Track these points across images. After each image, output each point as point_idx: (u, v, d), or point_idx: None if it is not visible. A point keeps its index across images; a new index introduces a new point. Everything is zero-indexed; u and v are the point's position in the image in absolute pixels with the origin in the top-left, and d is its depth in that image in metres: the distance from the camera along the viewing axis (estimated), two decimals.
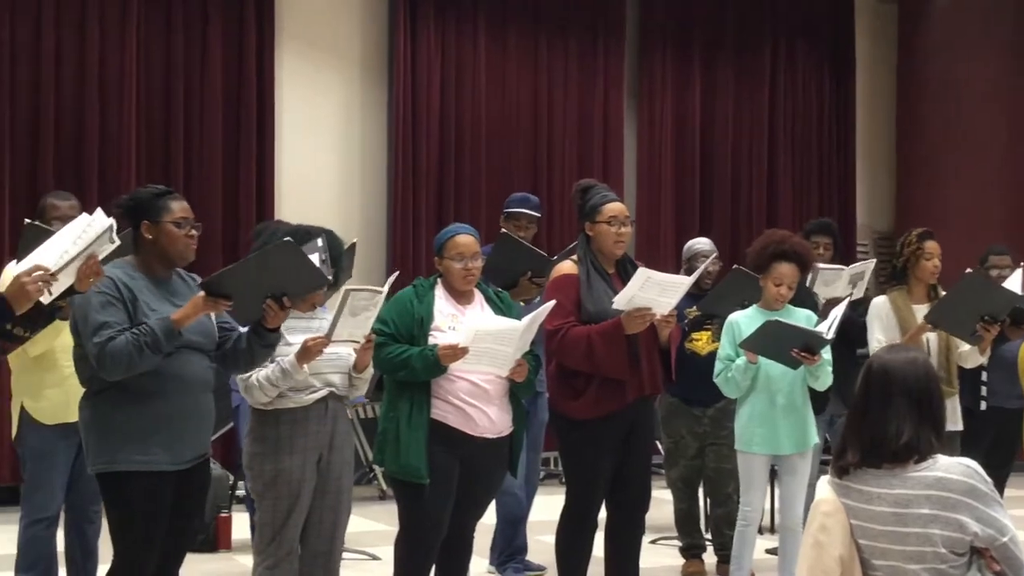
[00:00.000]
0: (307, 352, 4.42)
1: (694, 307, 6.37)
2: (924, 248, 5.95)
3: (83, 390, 5.06)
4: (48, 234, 4.71)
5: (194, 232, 4.18)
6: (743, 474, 5.62)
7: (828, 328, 5.40)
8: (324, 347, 4.43)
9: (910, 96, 11.93)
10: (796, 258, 5.55)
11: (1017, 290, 5.70)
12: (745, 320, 5.51)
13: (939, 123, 11.55)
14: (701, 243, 6.94)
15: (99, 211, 3.71)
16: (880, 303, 5.92)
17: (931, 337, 5.87)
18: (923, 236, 6.00)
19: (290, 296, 4.10)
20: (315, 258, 4.42)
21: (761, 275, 5.56)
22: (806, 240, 6.63)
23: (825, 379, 5.50)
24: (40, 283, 3.46)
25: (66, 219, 5.22)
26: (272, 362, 4.47)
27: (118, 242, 3.69)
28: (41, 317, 3.51)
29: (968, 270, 5.93)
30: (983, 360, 5.96)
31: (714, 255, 6.60)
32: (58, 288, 3.47)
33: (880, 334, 5.73)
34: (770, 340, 5.32)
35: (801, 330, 5.37)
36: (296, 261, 4.08)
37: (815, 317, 5.62)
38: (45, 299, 3.44)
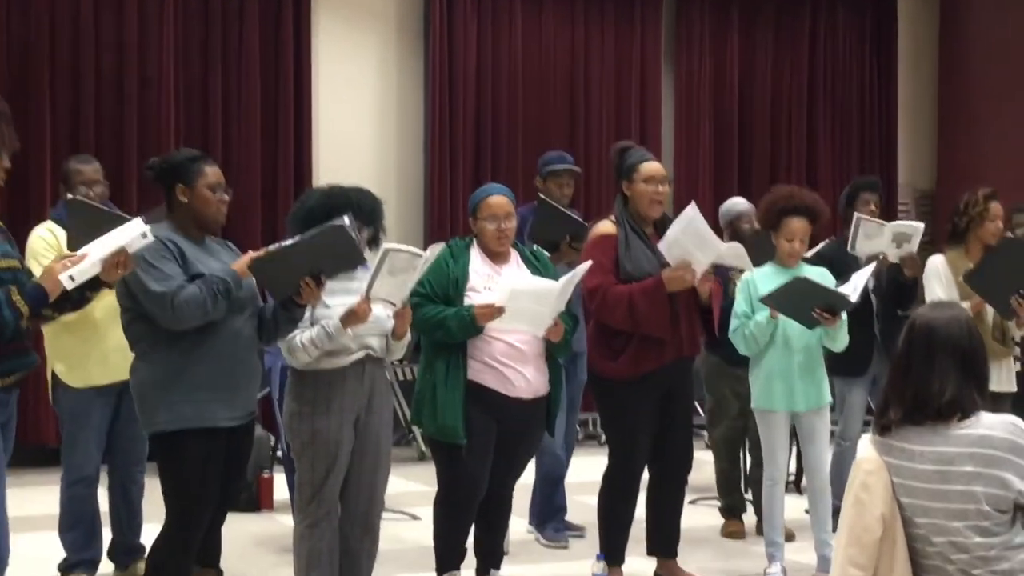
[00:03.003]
0: (353, 316, 4.42)
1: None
2: (990, 209, 5.87)
3: (117, 354, 5.13)
4: (91, 208, 4.73)
5: (226, 197, 4.19)
6: (764, 432, 5.59)
7: (853, 290, 5.36)
8: (368, 311, 4.43)
9: (953, 54, 11.81)
10: (805, 211, 5.49)
11: None
12: (761, 277, 5.46)
13: (982, 81, 11.43)
14: (741, 203, 6.88)
15: (139, 219, 3.74)
16: (938, 261, 5.85)
17: None
18: (990, 197, 5.93)
19: (327, 275, 4.11)
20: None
21: (773, 232, 5.52)
22: (853, 198, 6.57)
23: (842, 341, 5.45)
24: (63, 269, 3.48)
25: (91, 183, 5.26)
26: (313, 324, 4.47)
27: (151, 238, 3.69)
28: (68, 302, 3.53)
29: (1008, 234, 5.85)
30: (1021, 331, 5.88)
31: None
32: (83, 276, 3.49)
33: (941, 292, 5.66)
34: (794, 297, 5.27)
35: (827, 290, 5.32)
36: (345, 243, 4.09)
37: (830, 275, 5.56)
38: (68, 285, 3.46)
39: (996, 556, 3.20)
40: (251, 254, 4.02)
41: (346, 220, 4.55)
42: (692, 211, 5.02)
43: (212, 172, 4.18)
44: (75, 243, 4.89)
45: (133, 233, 3.60)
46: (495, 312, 4.77)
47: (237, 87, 9.50)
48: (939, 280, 5.75)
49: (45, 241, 5.11)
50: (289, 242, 4.09)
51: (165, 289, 3.95)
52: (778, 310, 5.31)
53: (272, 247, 4.10)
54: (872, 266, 5.80)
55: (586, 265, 4.97)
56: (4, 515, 3.48)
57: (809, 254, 6.06)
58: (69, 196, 5.01)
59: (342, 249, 4.09)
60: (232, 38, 9.48)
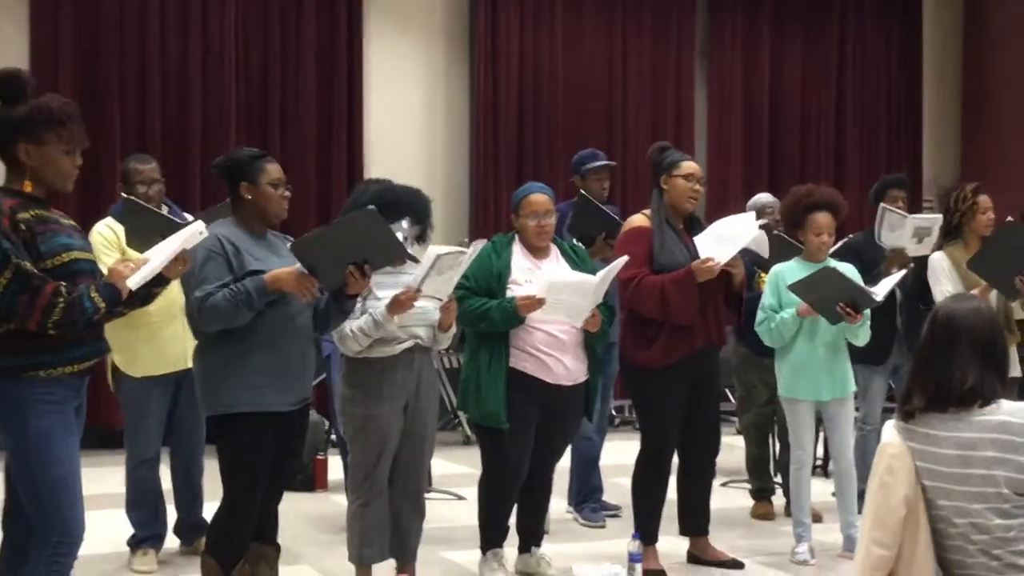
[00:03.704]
0: (398, 304, 4.44)
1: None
2: (978, 202, 5.81)
3: (172, 345, 5.18)
4: (145, 209, 4.80)
5: (287, 193, 4.22)
6: (791, 420, 5.58)
7: (880, 291, 5.33)
8: (414, 301, 4.45)
9: (976, 54, 11.70)
10: (828, 206, 5.48)
11: None
12: (790, 271, 5.43)
13: (1005, 80, 11.33)
14: (765, 196, 6.88)
15: (197, 223, 3.77)
16: (939, 258, 5.81)
17: None
18: (976, 191, 5.87)
19: (372, 265, 4.11)
20: (399, 235, 4.42)
21: (799, 230, 5.49)
22: (882, 193, 6.53)
23: (863, 337, 5.43)
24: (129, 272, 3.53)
25: (149, 182, 5.29)
26: (364, 314, 4.50)
27: (206, 233, 3.73)
28: (136, 299, 3.58)
29: (1009, 219, 5.79)
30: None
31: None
32: (147, 278, 3.54)
33: (949, 286, 5.62)
34: (821, 287, 5.25)
35: (854, 285, 5.29)
36: (378, 229, 4.07)
37: (856, 272, 5.53)
38: (134, 286, 3.51)
39: (1015, 537, 3.18)
40: (292, 270, 4.01)
41: (404, 225, 4.58)
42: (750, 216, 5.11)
43: (274, 169, 4.20)
44: (132, 239, 4.97)
45: (192, 236, 3.62)
46: (536, 304, 4.79)
47: (294, 91, 9.57)
48: (945, 275, 5.70)
49: (104, 237, 5.14)
50: (322, 228, 4.12)
51: (198, 294, 3.99)
52: (804, 300, 5.29)
53: (308, 233, 4.13)
54: (902, 273, 5.79)
55: (622, 260, 4.98)
56: (80, 493, 3.53)
57: (839, 245, 6.05)
58: (124, 196, 5.07)
59: (378, 235, 4.07)
60: (290, 46, 9.56)
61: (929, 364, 3.29)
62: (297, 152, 9.30)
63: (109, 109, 8.83)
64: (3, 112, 3.48)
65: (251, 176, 4.15)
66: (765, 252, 5.31)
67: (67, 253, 3.48)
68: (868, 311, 5.35)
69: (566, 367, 4.99)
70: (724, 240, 5.06)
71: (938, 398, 3.24)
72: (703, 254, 5.05)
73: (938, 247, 5.87)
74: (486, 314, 4.86)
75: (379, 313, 4.46)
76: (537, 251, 5.07)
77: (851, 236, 6.65)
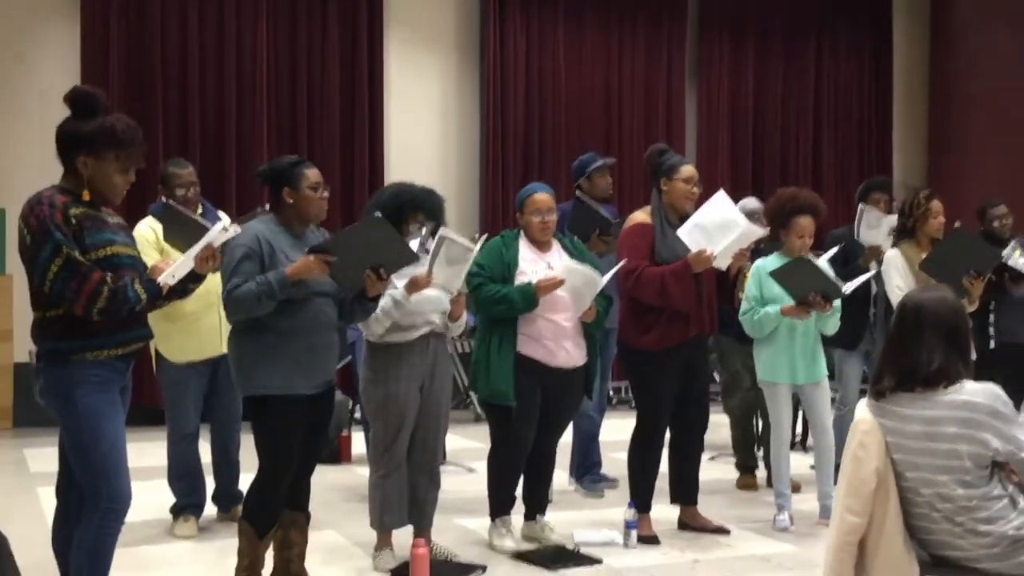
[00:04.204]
0: (415, 284, 4.45)
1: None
2: (931, 207, 5.78)
3: (209, 333, 5.18)
4: (180, 213, 4.80)
5: (325, 194, 4.20)
6: (771, 402, 5.57)
7: (848, 286, 5.34)
8: (428, 282, 4.45)
9: (942, 71, 11.68)
10: (811, 210, 5.45)
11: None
12: (771, 264, 5.42)
13: (968, 95, 11.31)
14: (752, 202, 6.82)
15: (219, 224, 3.75)
16: (894, 255, 5.76)
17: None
18: (929, 196, 5.84)
19: (387, 270, 4.08)
20: (415, 243, 4.40)
21: (783, 230, 5.46)
22: (866, 194, 6.51)
23: (832, 326, 5.43)
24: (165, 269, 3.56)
25: (187, 185, 5.29)
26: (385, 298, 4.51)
27: (230, 232, 3.70)
28: (175, 293, 3.59)
29: (957, 224, 5.77)
30: (970, 308, 5.81)
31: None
32: (181, 274, 3.55)
33: (899, 281, 5.61)
34: (796, 275, 5.25)
35: (825, 276, 5.29)
36: (386, 235, 4.03)
37: (830, 269, 5.52)
38: (171, 282, 3.52)
39: (976, 506, 3.18)
40: (308, 258, 4.00)
41: (423, 231, 4.57)
42: (723, 194, 5.02)
43: (313, 174, 4.17)
44: (169, 237, 4.99)
45: (214, 234, 3.61)
46: (555, 285, 4.79)
47: (320, 101, 9.58)
48: (897, 271, 5.67)
49: (144, 237, 5.14)
50: (334, 236, 4.08)
51: (228, 287, 3.99)
52: (782, 285, 5.28)
53: (321, 242, 4.09)
54: (872, 273, 5.79)
55: (621, 263, 4.99)
56: (126, 465, 3.53)
57: (831, 253, 6.04)
58: (163, 199, 5.07)
59: (386, 240, 4.03)
60: (316, 60, 9.58)
61: (898, 348, 3.29)
62: (323, 157, 9.30)
63: (153, 117, 8.84)
64: (73, 126, 3.49)
65: (292, 182, 4.12)
66: (753, 238, 5.23)
67: (110, 247, 3.48)
68: (838, 303, 5.35)
69: (567, 351, 4.99)
70: (711, 231, 5.02)
71: (906, 379, 3.24)
72: (693, 246, 5.03)
73: (893, 245, 5.86)
74: (505, 297, 4.87)
75: (399, 293, 4.48)
76: (541, 245, 5.07)
77: (835, 230, 6.65)
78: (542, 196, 5.06)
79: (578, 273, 4.87)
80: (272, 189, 4.17)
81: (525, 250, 5.04)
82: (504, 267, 4.94)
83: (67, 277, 3.35)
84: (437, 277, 4.44)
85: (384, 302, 4.48)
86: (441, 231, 4.42)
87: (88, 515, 3.47)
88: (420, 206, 4.65)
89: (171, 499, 5.44)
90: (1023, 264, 6.20)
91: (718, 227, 5.01)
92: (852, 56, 11.60)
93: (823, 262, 5.57)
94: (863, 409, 3.33)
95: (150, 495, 5.51)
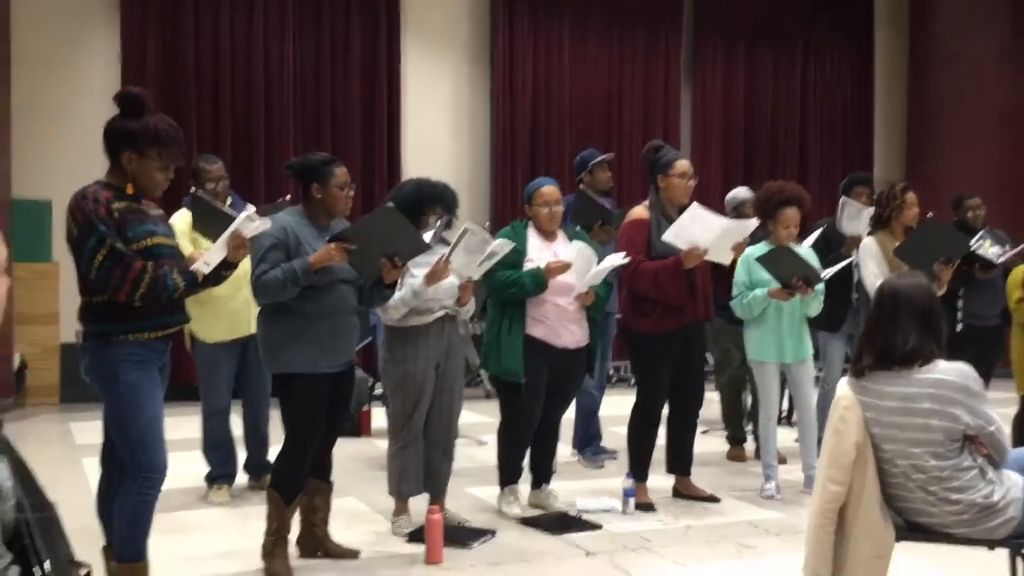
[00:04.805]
0: (434, 275, 4.45)
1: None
2: (906, 199, 5.76)
3: (238, 316, 5.20)
4: (208, 203, 4.80)
5: (351, 193, 4.19)
6: (759, 380, 5.56)
7: (827, 272, 5.33)
8: (446, 271, 4.45)
9: (920, 73, 11.63)
10: (797, 201, 5.42)
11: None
12: (758, 251, 5.41)
13: (945, 95, 11.25)
14: (743, 192, 6.79)
15: (244, 211, 3.74)
16: (870, 243, 5.74)
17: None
18: (905, 189, 5.81)
19: (401, 258, 4.07)
20: (428, 235, 4.38)
21: (770, 220, 5.44)
22: (849, 188, 6.49)
23: (815, 308, 5.42)
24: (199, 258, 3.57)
25: (217, 179, 5.30)
26: (403, 287, 4.52)
27: (264, 224, 3.68)
28: (208, 282, 3.60)
29: (929, 214, 5.74)
30: (939, 292, 5.79)
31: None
32: (214, 261, 3.56)
33: (875, 267, 5.60)
34: (779, 261, 5.24)
35: (805, 262, 5.28)
36: (398, 225, 4.02)
37: (814, 256, 5.50)
38: (206, 270, 3.53)
39: (948, 476, 3.18)
40: (329, 246, 4.00)
41: (437, 223, 4.56)
42: (694, 208, 4.94)
43: (341, 173, 4.15)
44: (198, 225, 5.01)
45: (240, 222, 3.61)
46: (563, 268, 4.80)
47: (342, 101, 9.58)
48: (873, 258, 5.65)
49: (178, 227, 5.13)
50: (351, 227, 4.07)
51: (256, 272, 4.00)
52: (768, 269, 5.27)
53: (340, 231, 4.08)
54: (851, 259, 5.77)
55: (620, 256, 4.97)
56: (163, 437, 3.55)
57: (813, 237, 6.03)
58: (193, 190, 5.08)
59: (400, 230, 4.01)
60: (339, 63, 9.57)
61: (876, 330, 3.29)
62: (344, 153, 9.29)
63: (187, 118, 8.84)
64: (120, 124, 3.50)
65: (321, 179, 4.11)
66: (745, 236, 5.19)
67: (151, 238, 3.49)
68: (821, 286, 5.34)
69: (571, 332, 4.99)
70: (697, 233, 4.94)
71: (884, 359, 3.24)
72: (684, 245, 4.98)
73: (869, 234, 5.84)
74: (516, 281, 4.86)
75: (418, 283, 4.48)
76: (547, 235, 5.06)
77: (823, 222, 6.63)
78: (549, 189, 5.05)
79: (586, 257, 4.87)
80: (302, 183, 4.17)
81: (533, 239, 5.03)
82: (516, 255, 4.93)
83: (111, 266, 3.37)
84: (454, 262, 4.44)
85: (404, 292, 4.48)
86: (466, 224, 4.40)
87: (128, 484, 3.49)
88: (439, 199, 4.66)
89: (205, 469, 5.47)
90: (992, 254, 6.18)
91: (703, 230, 4.95)
92: (836, 59, 11.56)
93: (807, 249, 5.56)
94: (844, 387, 3.34)
95: (186, 465, 5.54)
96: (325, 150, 8.68)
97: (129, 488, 3.49)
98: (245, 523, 4.92)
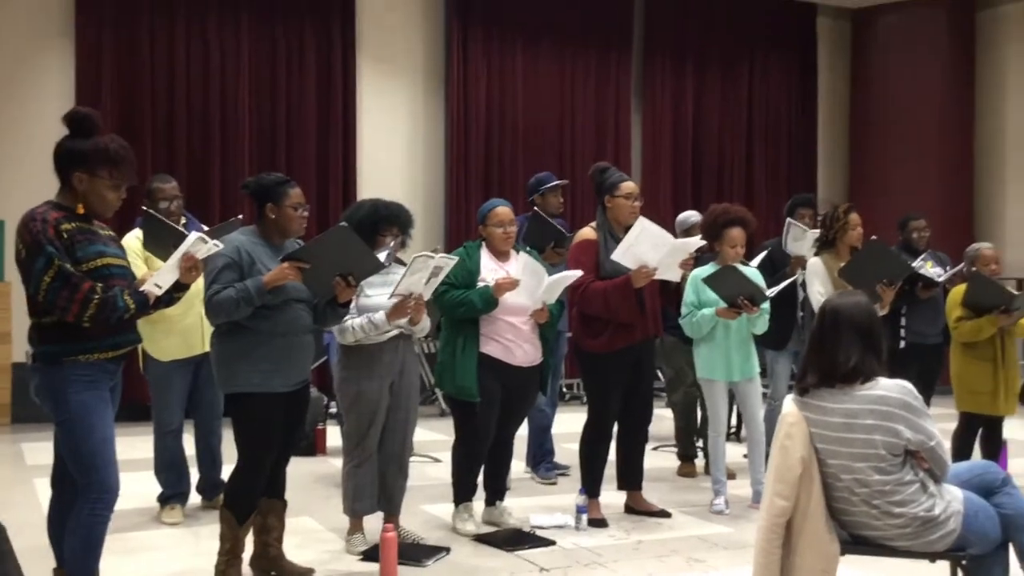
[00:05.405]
0: (398, 311, 4.43)
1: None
2: (850, 220, 5.84)
3: (191, 334, 5.14)
4: (159, 220, 4.73)
5: (305, 214, 4.16)
6: (709, 397, 5.59)
7: (772, 290, 5.39)
8: (408, 309, 4.42)
9: (861, 97, 11.81)
10: (742, 222, 5.48)
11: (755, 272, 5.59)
12: (705, 272, 5.46)
13: (884, 118, 11.45)
14: (694, 216, 6.81)
15: (194, 233, 3.70)
16: (816, 263, 5.81)
17: None
18: (848, 210, 5.89)
19: (355, 277, 4.04)
20: (383, 254, 4.37)
21: (716, 242, 5.48)
22: (793, 210, 6.58)
23: (762, 326, 5.47)
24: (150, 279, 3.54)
25: (171, 198, 5.24)
26: (360, 311, 4.49)
27: (209, 246, 3.64)
28: (159, 303, 3.56)
29: (873, 237, 5.84)
30: (882, 312, 5.87)
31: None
32: (165, 283, 3.52)
33: (820, 286, 5.67)
34: (725, 281, 5.29)
35: (751, 282, 5.34)
36: (352, 244, 3.99)
37: (759, 276, 5.56)
38: (157, 292, 3.49)
39: (891, 490, 3.22)
40: (283, 266, 3.97)
41: (391, 243, 4.54)
42: (641, 223, 4.96)
43: (296, 194, 4.12)
44: (148, 245, 4.94)
45: (191, 243, 3.58)
46: (511, 285, 4.79)
47: (298, 122, 9.52)
48: (819, 277, 5.73)
49: (131, 247, 5.07)
50: (304, 245, 4.05)
51: (209, 292, 3.96)
52: (713, 289, 5.32)
53: (294, 251, 4.05)
54: (794, 278, 5.84)
55: (577, 273, 4.97)
56: (115, 457, 3.49)
57: (759, 258, 6.08)
58: (143, 209, 5.03)
59: (354, 250, 3.99)
60: (294, 84, 9.51)
61: (820, 348, 3.32)
62: (300, 173, 9.20)
63: (142, 137, 8.74)
64: (70, 144, 3.46)
65: (276, 198, 4.08)
66: (691, 249, 5.21)
67: (101, 259, 3.45)
68: (767, 305, 5.40)
69: (524, 351, 5.00)
70: (646, 251, 4.95)
71: (827, 376, 3.27)
72: (632, 264, 5.01)
73: (816, 254, 5.92)
74: (465, 301, 4.85)
75: (378, 318, 4.46)
76: (501, 255, 5.06)
77: (768, 242, 6.71)
78: (504, 210, 5.06)
79: (534, 272, 4.87)
80: (256, 202, 4.14)
81: (486, 259, 5.03)
82: (468, 275, 4.93)
83: (59, 287, 3.32)
84: (402, 288, 4.41)
85: (365, 321, 4.47)
86: (415, 254, 4.37)
87: (80, 504, 3.44)
88: (395, 220, 4.65)
89: (158, 489, 5.38)
90: (935, 273, 6.29)
91: (651, 247, 4.98)
92: (781, 82, 11.71)
93: (753, 269, 5.61)
94: (790, 403, 3.37)
95: (138, 485, 5.46)
96: (280, 170, 8.61)
97: (81, 509, 3.43)
98: (198, 543, 4.85)
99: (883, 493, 3.21)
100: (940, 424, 3.44)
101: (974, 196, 11.51)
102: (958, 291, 5.81)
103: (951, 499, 3.26)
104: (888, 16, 11.43)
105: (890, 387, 3.22)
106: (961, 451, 5.76)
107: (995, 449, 5.90)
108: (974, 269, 5.91)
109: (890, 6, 11.38)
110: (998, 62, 11.44)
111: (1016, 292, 5.78)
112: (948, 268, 6.37)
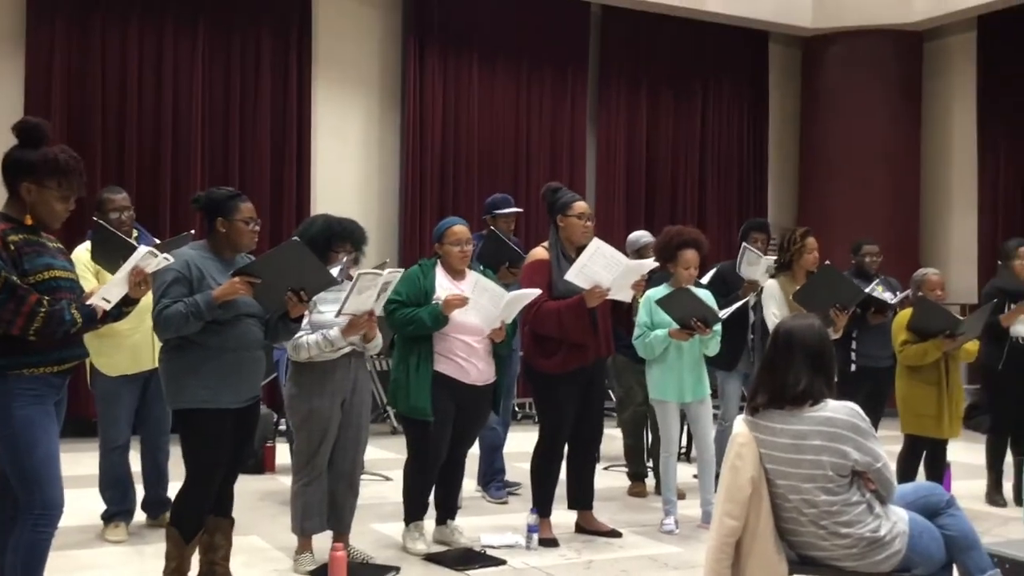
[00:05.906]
0: (352, 327, 4.41)
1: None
2: (806, 244, 5.92)
3: (140, 350, 5.07)
4: (108, 231, 4.66)
5: (256, 228, 4.13)
6: (660, 417, 5.62)
7: (724, 312, 5.44)
8: (364, 323, 4.39)
9: (811, 122, 12.00)
10: (695, 244, 5.52)
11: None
12: (659, 293, 5.50)
13: (833, 144, 11.63)
14: (646, 236, 6.85)
15: (143, 247, 3.66)
16: (772, 285, 5.89)
17: None
18: (805, 234, 5.98)
19: (307, 292, 4.01)
20: (335, 269, 4.34)
21: (671, 263, 5.52)
22: (746, 234, 6.65)
23: (714, 347, 5.53)
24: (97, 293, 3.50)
25: (121, 209, 5.17)
26: (312, 326, 4.46)
27: (162, 259, 3.59)
28: (108, 317, 3.51)
29: (827, 262, 5.93)
30: (834, 336, 5.95)
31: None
32: (114, 297, 3.47)
33: (775, 309, 5.74)
34: (678, 303, 5.34)
35: (704, 304, 5.39)
36: (304, 259, 3.96)
37: (711, 298, 5.61)
38: (106, 306, 3.45)
39: (838, 511, 3.26)
40: (234, 280, 3.93)
41: (343, 258, 4.50)
42: (596, 243, 4.99)
43: (247, 208, 4.08)
44: (97, 256, 4.86)
45: (140, 256, 3.54)
46: (460, 302, 4.77)
47: (251, 135, 9.46)
48: (774, 300, 5.79)
49: (81, 260, 4.99)
50: (256, 260, 4.01)
51: (158, 307, 3.92)
52: (667, 312, 5.35)
53: (245, 265, 4.01)
54: (747, 299, 5.92)
55: (535, 291, 4.97)
56: (59, 473, 3.43)
57: (712, 273, 6.14)
58: (94, 219, 4.96)
59: (307, 265, 3.95)
60: (248, 97, 9.45)
61: (771, 369, 3.36)
62: (253, 188, 9.15)
63: (92, 148, 8.63)
64: (18, 154, 3.41)
65: (227, 213, 4.04)
66: (645, 270, 5.23)
67: (49, 271, 3.39)
68: (719, 327, 5.45)
69: (478, 369, 4.99)
70: (599, 271, 4.97)
71: (777, 397, 3.31)
72: (585, 284, 5.02)
73: (772, 276, 5.98)
74: (415, 319, 4.83)
75: (333, 335, 4.43)
76: (456, 273, 5.05)
77: (720, 264, 6.76)
78: (461, 228, 5.05)
79: (485, 291, 4.85)
80: (207, 217, 4.10)
81: (441, 278, 5.02)
82: (422, 293, 4.92)
83: (4, 300, 3.26)
84: (348, 308, 4.38)
85: (319, 338, 4.43)
86: (357, 271, 4.35)
87: (23, 521, 3.36)
88: (348, 236, 4.63)
89: (102, 506, 5.28)
90: (888, 297, 6.38)
91: (605, 267, 5.00)
92: (733, 108, 11.86)
93: (705, 292, 5.66)
94: (740, 424, 3.40)
95: (83, 502, 5.35)
96: (233, 184, 8.60)
97: (24, 525, 3.36)
98: (143, 562, 4.77)
99: (830, 514, 3.25)
100: (886, 446, 3.49)
101: (920, 222, 11.73)
102: (904, 315, 5.90)
103: (897, 520, 3.30)
104: (838, 44, 11.64)
105: (838, 409, 3.27)
106: (906, 473, 5.84)
107: (939, 471, 5.99)
108: (920, 294, 6.01)
109: (840, 34, 11.59)
110: (944, 91, 11.70)
111: (961, 317, 5.89)
112: (898, 293, 6.48)
